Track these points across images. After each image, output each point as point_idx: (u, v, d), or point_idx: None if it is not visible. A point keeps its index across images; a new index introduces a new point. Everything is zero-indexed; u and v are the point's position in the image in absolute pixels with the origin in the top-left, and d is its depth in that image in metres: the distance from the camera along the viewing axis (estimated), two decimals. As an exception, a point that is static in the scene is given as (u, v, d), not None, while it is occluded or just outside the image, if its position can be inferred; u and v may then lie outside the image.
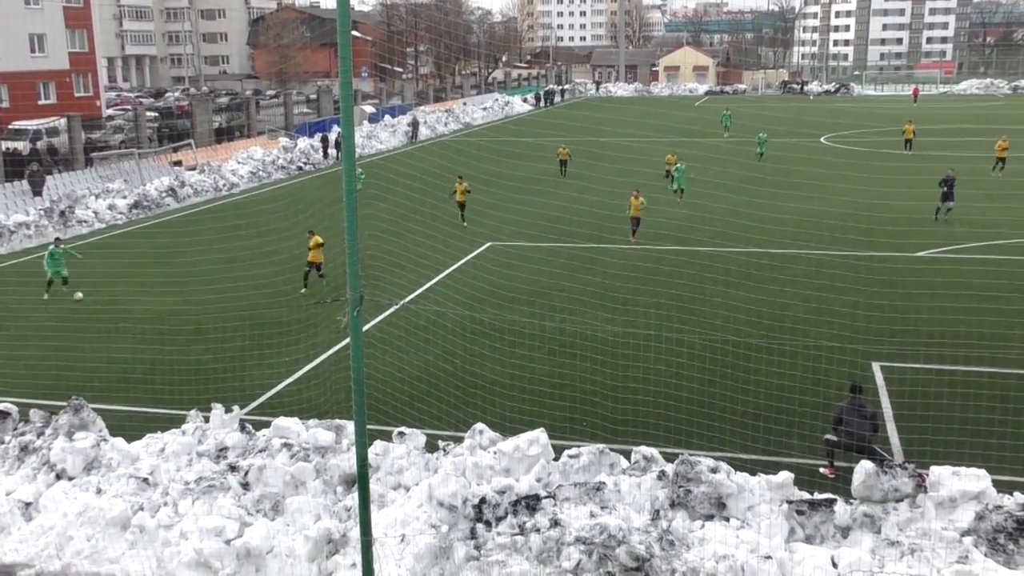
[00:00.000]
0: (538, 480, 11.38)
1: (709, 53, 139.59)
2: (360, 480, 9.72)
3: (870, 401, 13.85)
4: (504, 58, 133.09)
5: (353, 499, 11.28)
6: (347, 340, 9.79)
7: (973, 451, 12.23)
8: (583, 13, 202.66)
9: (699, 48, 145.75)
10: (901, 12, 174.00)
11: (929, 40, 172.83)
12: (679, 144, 53.89)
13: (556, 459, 11.78)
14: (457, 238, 28.50)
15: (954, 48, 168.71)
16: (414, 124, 63.68)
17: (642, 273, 24.67)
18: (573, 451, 11.83)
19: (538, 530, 10.59)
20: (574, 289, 22.52)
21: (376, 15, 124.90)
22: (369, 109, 68.19)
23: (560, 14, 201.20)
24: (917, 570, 9.61)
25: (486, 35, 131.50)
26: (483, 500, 10.96)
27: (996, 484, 10.63)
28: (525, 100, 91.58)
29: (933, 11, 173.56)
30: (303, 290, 23.19)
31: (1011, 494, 10.51)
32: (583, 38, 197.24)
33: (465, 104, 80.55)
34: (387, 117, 66.18)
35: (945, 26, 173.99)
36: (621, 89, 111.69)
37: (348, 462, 11.98)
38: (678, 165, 35.85)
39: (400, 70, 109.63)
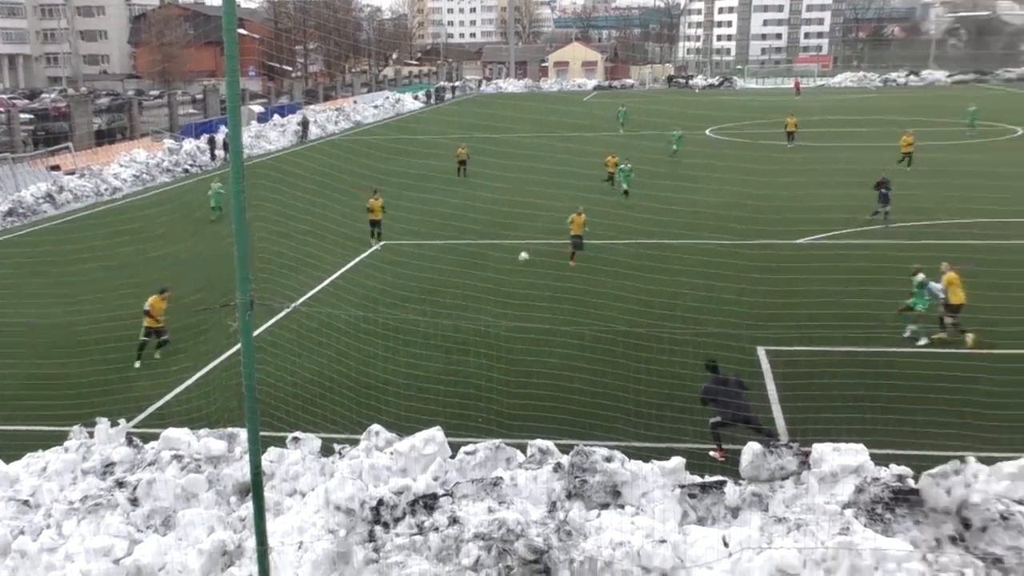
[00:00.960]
0: (435, 479, 11.37)
1: (597, 49, 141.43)
2: (254, 489, 9.55)
3: (734, 373, 14.28)
4: (395, 55, 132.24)
5: (248, 509, 11.07)
6: (238, 345, 9.61)
7: (851, 426, 12.77)
8: (473, 10, 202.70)
9: (588, 44, 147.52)
10: (780, 8, 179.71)
11: (807, 35, 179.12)
12: (570, 139, 54.51)
13: (453, 457, 11.79)
14: (348, 238, 28.16)
15: (829, 43, 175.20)
16: (304, 123, 62.74)
17: (535, 267, 24.88)
18: (469, 448, 11.86)
19: (436, 529, 10.59)
20: (467, 286, 22.55)
21: (263, 12, 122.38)
22: (257, 108, 66.85)
23: (450, 11, 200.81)
24: (803, 544, 9.96)
25: (376, 32, 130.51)
26: (381, 502, 10.90)
27: (873, 457, 11.09)
28: (416, 97, 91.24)
29: (810, 7, 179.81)
30: (137, 364, 18.80)
31: (887, 466, 10.98)
32: (473, 35, 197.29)
33: (356, 102, 79.75)
34: (276, 116, 65.02)
35: (821, 21, 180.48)
36: (512, 85, 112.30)
37: (242, 471, 11.74)
38: (622, 165, 35.91)
39: (289, 68, 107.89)
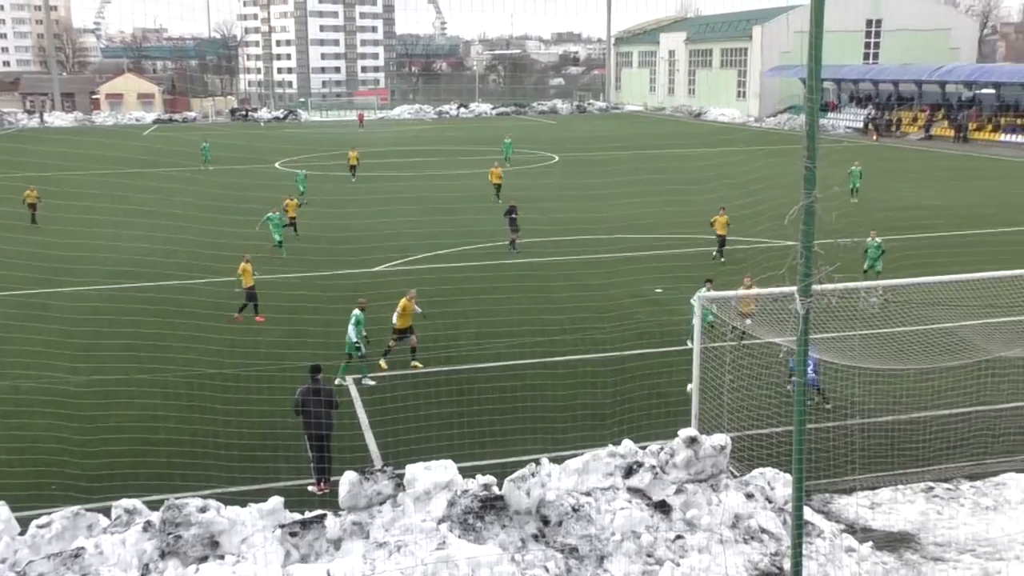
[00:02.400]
0: (2, 561, 10.16)
1: (154, 80, 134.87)
2: None
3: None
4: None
5: None
6: None
7: (440, 444, 13.51)
8: (3, 36, 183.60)
9: (142, 75, 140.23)
10: (336, 43, 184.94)
11: (364, 69, 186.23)
12: (135, 176, 51.54)
13: (23, 533, 10.61)
14: None
15: (386, 77, 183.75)
16: None
17: (104, 315, 23.12)
18: (42, 520, 10.77)
19: (10, 617, 9.47)
20: (25, 340, 20.36)
21: None
22: None
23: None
24: (404, 565, 10.34)
25: None
26: (-65, 599, 9.50)
27: (462, 470, 11.81)
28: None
29: (364, 42, 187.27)
30: None
31: (474, 477, 11.76)
32: (7, 63, 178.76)
33: None
34: None
35: (376, 56, 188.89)
36: (59, 119, 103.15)
37: None
38: (270, 214, 32.17)
39: None
